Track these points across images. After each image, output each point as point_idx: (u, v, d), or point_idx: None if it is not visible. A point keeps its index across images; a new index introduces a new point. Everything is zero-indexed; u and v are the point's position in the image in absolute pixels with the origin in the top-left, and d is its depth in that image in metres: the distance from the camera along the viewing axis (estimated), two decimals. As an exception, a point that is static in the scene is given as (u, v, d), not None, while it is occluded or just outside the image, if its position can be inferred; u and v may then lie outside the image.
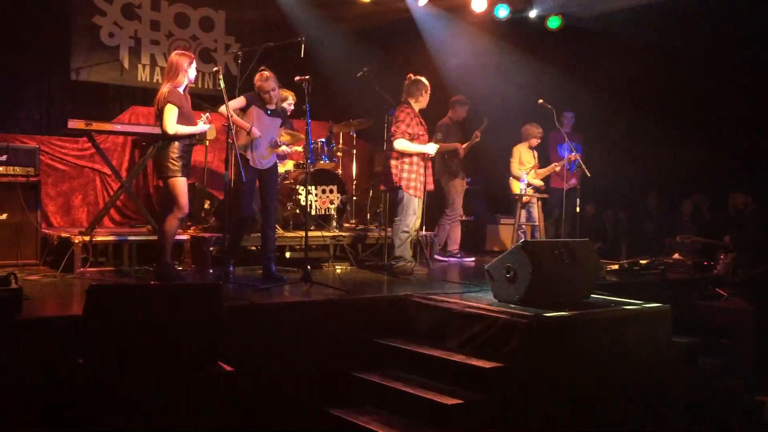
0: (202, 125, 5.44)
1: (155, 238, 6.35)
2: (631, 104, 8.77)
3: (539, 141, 8.20)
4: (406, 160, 6.33)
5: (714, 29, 8.09)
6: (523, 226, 8.16)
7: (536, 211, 8.17)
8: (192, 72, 5.44)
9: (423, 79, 6.48)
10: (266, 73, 5.87)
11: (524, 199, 8.00)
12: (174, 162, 5.28)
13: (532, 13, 9.44)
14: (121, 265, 6.25)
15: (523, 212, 8.13)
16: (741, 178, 8.19)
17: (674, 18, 8.33)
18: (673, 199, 9.26)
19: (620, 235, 9.56)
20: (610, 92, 8.79)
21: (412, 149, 6.31)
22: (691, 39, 8.30)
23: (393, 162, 6.36)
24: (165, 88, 5.34)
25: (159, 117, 5.33)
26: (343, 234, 7.28)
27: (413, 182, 6.32)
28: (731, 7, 7.78)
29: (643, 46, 8.53)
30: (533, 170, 8.15)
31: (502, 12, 9.25)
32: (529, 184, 8.00)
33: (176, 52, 5.52)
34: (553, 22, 9.28)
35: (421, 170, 6.39)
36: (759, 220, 7.74)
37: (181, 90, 5.36)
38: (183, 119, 5.31)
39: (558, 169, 8.11)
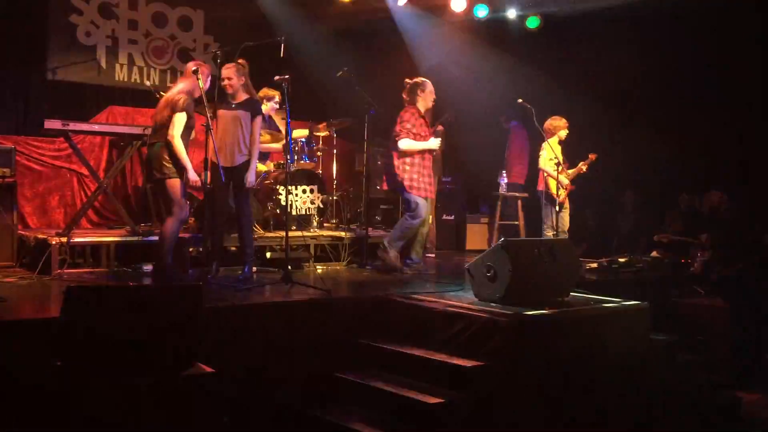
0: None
1: (134, 239, 6.35)
2: (610, 103, 8.84)
3: (567, 132, 7.82)
4: (408, 160, 6.41)
5: (691, 28, 8.18)
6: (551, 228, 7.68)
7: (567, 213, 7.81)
8: (206, 83, 5.46)
9: (424, 80, 6.59)
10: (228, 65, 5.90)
11: (560, 199, 7.58)
12: (169, 162, 5.26)
13: (511, 13, 9.48)
14: (99, 267, 6.19)
15: (554, 211, 7.57)
16: (716, 176, 8.28)
17: (651, 17, 8.40)
18: (653, 197, 9.32)
19: (605, 233, 9.58)
20: (589, 91, 8.85)
21: (418, 147, 6.39)
22: (667, 38, 8.39)
23: (396, 163, 6.44)
24: (180, 96, 5.30)
25: (161, 118, 5.30)
26: (324, 234, 7.27)
27: (415, 182, 6.40)
28: (709, 7, 7.86)
29: (620, 46, 8.60)
30: (565, 170, 7.73)
31: (482, 12, 9.28)
32: (563, 184, 7.60)
33: (195, 62, 5.56)
34: (532, 22, 9.33)
35: (424, 170, 6.46)
36: (734, 218, 7.83)
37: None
38: (186, 130, 5.33)
39: (585, 169, 7.83)
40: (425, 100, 6.57)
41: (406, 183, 6.39)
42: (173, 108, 5.26)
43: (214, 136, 5.59)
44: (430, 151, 6.54)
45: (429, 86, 6.57)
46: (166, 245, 5.31)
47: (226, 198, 5.96)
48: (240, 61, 5.93)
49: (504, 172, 8.78)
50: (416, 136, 6.41)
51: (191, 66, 5.45)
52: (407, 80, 6.64)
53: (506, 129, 9.37)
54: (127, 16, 8.60)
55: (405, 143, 6.38)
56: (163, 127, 5.29)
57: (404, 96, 6.60)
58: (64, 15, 8.20)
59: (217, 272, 5.84)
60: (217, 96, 5.90)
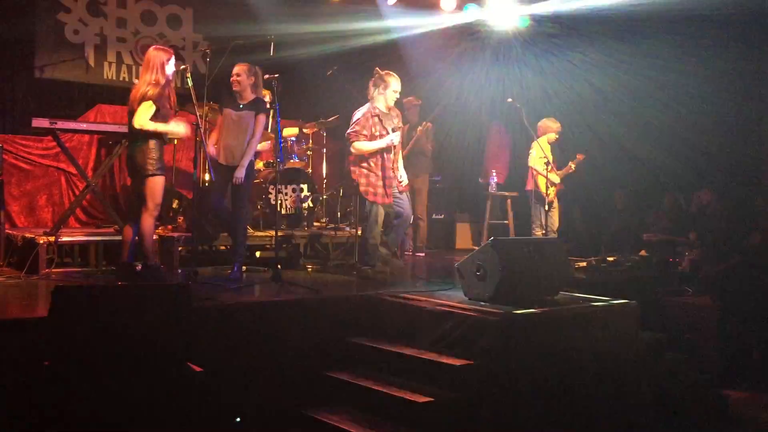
0: (174, 126, 5.27)
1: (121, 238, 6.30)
2: (599, 103, 8.87)
3: (557, 136, 7.86)
4: (363, 164, 6.06)
5: (681, 27, 8.21)
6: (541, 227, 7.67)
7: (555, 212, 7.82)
8: (171, 68, 5.27)
9: (391, 77, 6.13)
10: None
11: (549, 198, 7.56)
12: (154, 160, 5.19)
13: (501, 13, 9.46)
14: (88, 266, 6.16)
15: (543, 210, 7.54)
16: (705, 175, 8.32)
17: (639, 16, 8.44)
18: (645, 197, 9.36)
19: (594, 232, 9.61)
20: (577, 91, 8.88)
21: (372, 147, 6.01)
22: (656, 38, 8.43)
23: (352, 168, 6.13)
24: (147, 88, 5.14)
25: (131, 114, 5.18)
26: (314, 233, 7.26)
27: (372, 187, 6.05)
28: (700, 6, 7.89)
29: (609, 46, 8.64)
30: (554, 169, 7.68)
31: (472, 11, 9.28)
32: (552, 183, 7.61)
33: (153, 47, 5.34)
34: (522, 23, 9.33)
35: (381, 173, 6.04)
36: (723, 217, 7.87)
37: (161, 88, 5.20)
38: (159, 119, 5.18)
39: (573, 168, 7.85)
40: (386, 98, 6.09)
41: (362, 188, 6.05)
42: (141, 100, 5.14)
43: (205, 136, 5.59)
44: (388, 149, 6.07)
45: (394, 84, 6.08)
46: (147, 244, 5.26)
47: (220, 196, 5.92)
48: (257, 67, 5.94)
49: (494, 171, 8.80)
50: (372, 138, 6.01)
51: (157, 55, 5.23)
52: (377, 69, 6.17)
53: (487, 128, 9.43)
54: (115, 14, 8.55)
55: (357, 146, 6.02)
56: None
57: (370, 86, 6.17)
58: (52, 13, 8.14)
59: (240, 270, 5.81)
60: (226, 95, 5.92)
